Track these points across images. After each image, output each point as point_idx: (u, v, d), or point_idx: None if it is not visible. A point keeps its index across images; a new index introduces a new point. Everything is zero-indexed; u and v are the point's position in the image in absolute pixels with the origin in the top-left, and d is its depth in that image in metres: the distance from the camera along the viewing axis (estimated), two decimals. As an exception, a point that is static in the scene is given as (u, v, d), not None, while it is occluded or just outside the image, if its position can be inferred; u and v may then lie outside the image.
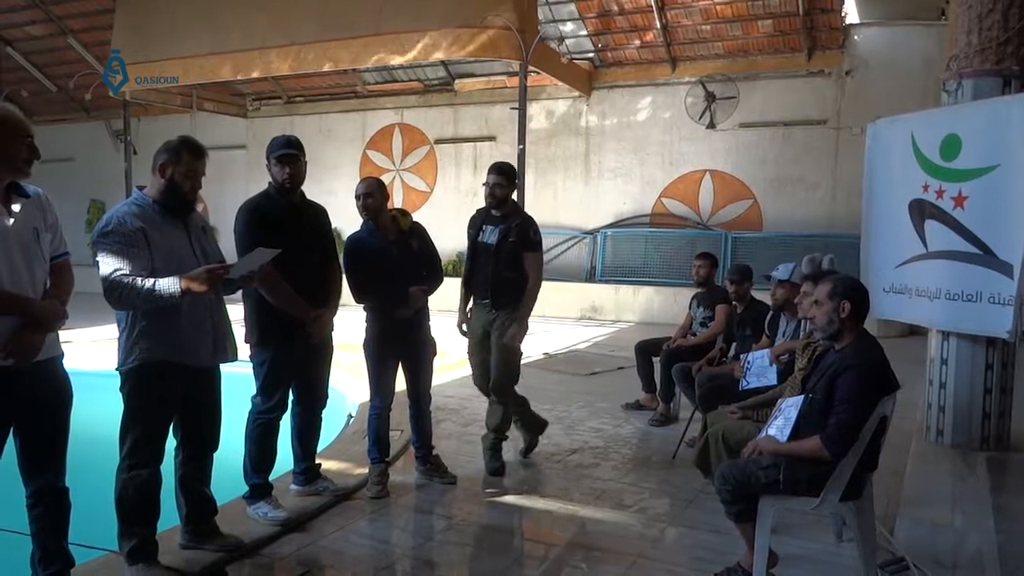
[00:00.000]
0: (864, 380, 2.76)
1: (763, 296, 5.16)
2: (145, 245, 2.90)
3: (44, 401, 2.67)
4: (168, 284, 2.81)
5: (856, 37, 10.80)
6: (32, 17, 14.30)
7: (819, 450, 2.75)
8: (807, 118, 11.14)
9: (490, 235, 4.42)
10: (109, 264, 2.84)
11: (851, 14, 10.83)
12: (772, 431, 2.96)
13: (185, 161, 3.00)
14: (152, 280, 2.82)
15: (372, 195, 4.01)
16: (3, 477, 2.64)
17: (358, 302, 4.09)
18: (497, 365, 4.42)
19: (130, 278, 2.81)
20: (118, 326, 3.03)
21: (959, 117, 4.21)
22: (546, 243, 13.34)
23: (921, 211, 4.36)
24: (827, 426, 2.76)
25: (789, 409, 2.97)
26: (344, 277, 3.97)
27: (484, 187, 4.43)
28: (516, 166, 9.88)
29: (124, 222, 2.90)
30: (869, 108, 9.75)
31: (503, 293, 4.38)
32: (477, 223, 4.52)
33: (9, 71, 14.65)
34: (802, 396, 3.00)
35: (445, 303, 4.64)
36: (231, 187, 14.28)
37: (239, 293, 3.61)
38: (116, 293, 2.82)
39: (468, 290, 4.56)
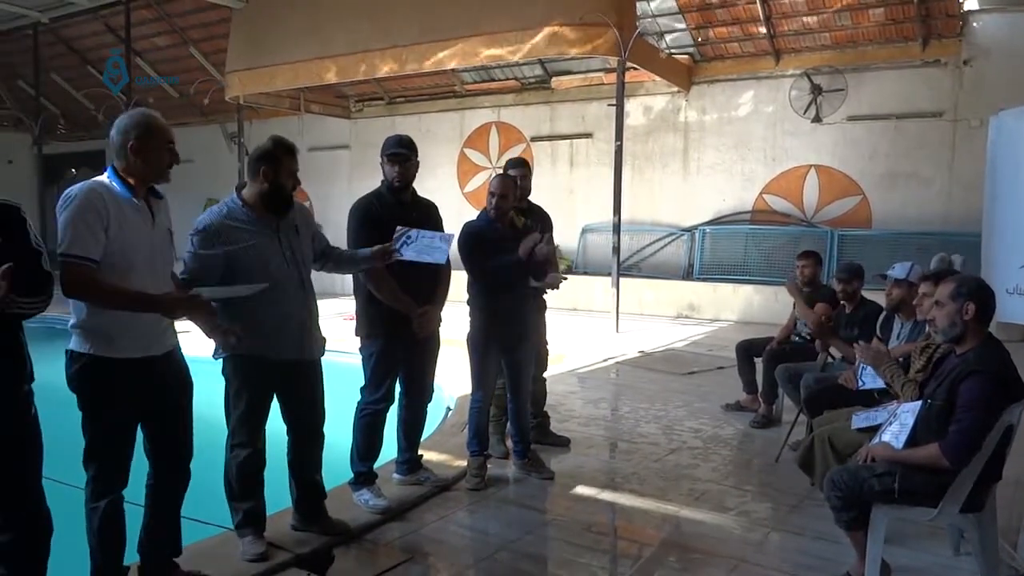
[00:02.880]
0: (989, 386, 2.61)
1: (874, 296, 4.96)
2: (220, 249, 3.05)
3: (172, 386, 2.87)
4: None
5: (975, 24, 10.15)
6: (158, 29, 15.32)
7: (938, 458, 2.62)
8: (921, 110, 10.56)
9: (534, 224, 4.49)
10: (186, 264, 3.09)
11: (969, 0, 10.20)
12: (887, 437, 2.84)
13: (284, 162, 3.15)
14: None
15: (507, 196, 4.10)
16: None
17: (480, 280, 4.10)
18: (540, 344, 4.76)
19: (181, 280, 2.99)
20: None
21: (1096, 106, 3.92)
22: (643, 240, 13.32)
23: (1051, 207, 4.09)
24: (947, 433, 2.63)
25: (905, 415, 2.84)
26: (464, 265, 4.08)
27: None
28: (614, 163, 9.91)
29: (207, 230, 3.08)
30: (989, 99, 9.23)
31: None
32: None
33: (138, 79, 15.68)
34: (920, 401, 2.86)
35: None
36: (336, 186, 14.84)
37: (351, 287, 3.77)
38: None
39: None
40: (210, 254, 3.04)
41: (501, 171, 4.47)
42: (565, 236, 12.77)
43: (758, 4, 10.76)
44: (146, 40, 15.52)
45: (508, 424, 4.44)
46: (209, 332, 2.98)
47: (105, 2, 14.33)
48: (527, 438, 4.40)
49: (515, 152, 13.72)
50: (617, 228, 9.98)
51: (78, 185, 2.64)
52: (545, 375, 4.99)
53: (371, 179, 3.91)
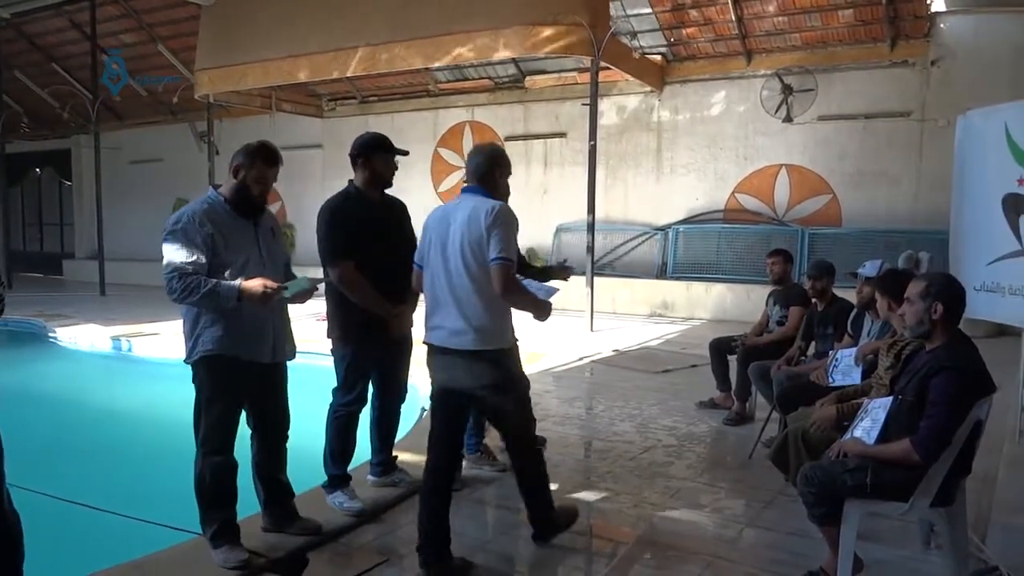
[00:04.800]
0: (959, 382, 2.65)
1: (843, 293, 5.02)
2: (210, 244, 3.02)
3: None
4: (227, 289, 2.94)
5: (942, 25, 10.32)
6: (126, 26, 15.07)
7: (909, 453, 2.65)
8: (889, 110, 10.73)
9: None
10: (174, 260, 2.98)
11: (937, 1, 10.37)
12: (859, 432, 2.87)
13: (258, 167, 3.10)
14: (214, 282, 2.95)
15: None
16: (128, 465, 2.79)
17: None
18: None
19: (193, 276, 2.95)
20: (183, 320, 3.16)
21: (1059, 107, 4.00)
22: (615, 239, 13.36)
23: (1016, 206, 4.17)
24: (918, 429, 2.66)
25: (877, 410, 2.88)
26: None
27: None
28: (588, 162, 9.94)
29: (193, 220, 3.03)
30: (956, 99, 9.36)
31: None
32: None
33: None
34: (891, 397, 2.90)
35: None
36: (308, 186, 14.70)
37: (321, 289, 3.73)
38: (178, 289, 2.95)
39: None
40: (201, 250, 3.00)
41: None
42: (539, 236, 12.79)
43: (729, 4, 10.85)
44: (113, 37, 15.25)
45: None
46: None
47: (70, -3, 14.11)
48: (481, 432, 4.44)
49: (489, 151, 13.68)
50: (591, 227, 10.00)
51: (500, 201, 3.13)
52: None
53: (345, 179, 3.86)
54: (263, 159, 3.11)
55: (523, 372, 3.37)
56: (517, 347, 3.31)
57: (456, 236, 3.10)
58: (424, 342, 3.27)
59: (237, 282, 2.97)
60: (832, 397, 3.53)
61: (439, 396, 3.29)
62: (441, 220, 3.20)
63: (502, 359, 3.17)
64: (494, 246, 3.01)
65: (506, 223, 3.06)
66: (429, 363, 3.27)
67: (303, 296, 3.18)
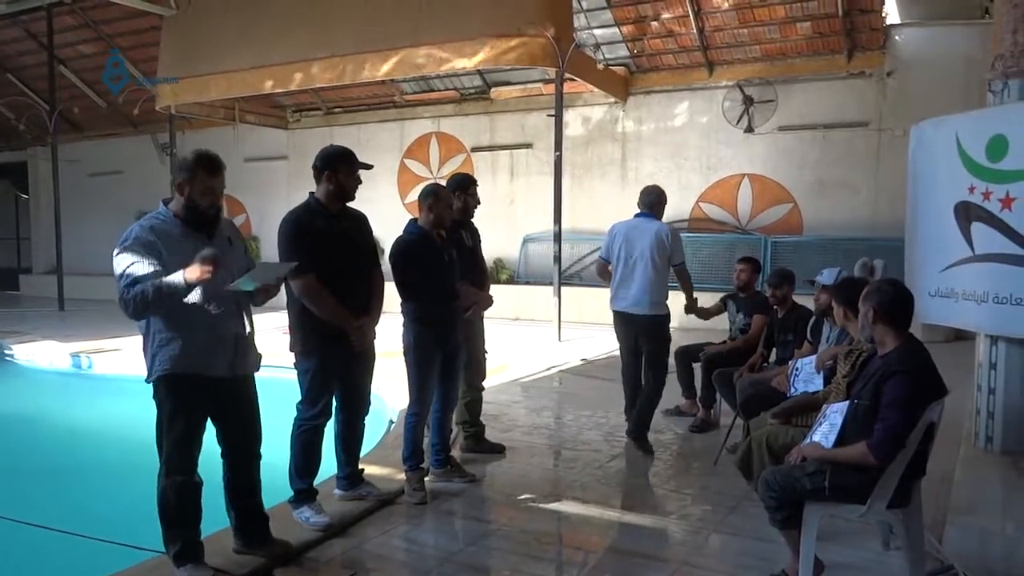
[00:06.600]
0: (911, 385, 2.72)
1: (804, 301, 5.12)
2: (159, 260, 2.92)
3: None
4: (172, 278, 2.85)
5: (897, 38, 10.62)
6: (84, 36, 14.81)
7: (865, 456, 2.72)
8: (847, 120, 10.99)
9: (469, 239, 4.73)
10: (128, 272, 2.88)
11: (892, 14, 10.65)
12: (817, 437, 2.93)
13: (200, 180, 3.00)
14: (158, 281, 2.85)
15: (451, 206, 4.21)
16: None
17: (407, 301, 4.10)
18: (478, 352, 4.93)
19: (139, 285, 2.85)
20: (143, 339, 3.08)
21: (1005, 117, 4.12)
22: (582, 249, 13.44)
23: (967, 213, 4.28)
24: (873, 432, 2.73)
25: (834, 415, 2.94)
26: (394, 280, 4.06)
27: (463, 199, 4.66)
28: (554, 173, 10.01)
29: (141, 237, 2.94)
30: (911, 109, 9.64)
31: None
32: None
33: (62, 88, 15.14)
34: (847, 402, 2.97)
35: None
36: (273, 197, 14.57)
37: (284, 302, 3.71)
38: (130, 303, 2.86)
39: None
40: (152, 263, 2.91)
41: (443, 184, 4.48)
42: (506, 246, 12.83)
43: (691, 17, 11.03)
44: (70, 48, 15.00)
45: (430, 435, 4.42)
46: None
47: (25, 7, 13.81)
48: (448, 446, 4.46)
49: (456, 162, 13.73)
50: (558, 237, 10.06)
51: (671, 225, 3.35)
52: (485, 384, 4.99)
53: (311, 191, 3.84)
54: (204, 170, 3.01)
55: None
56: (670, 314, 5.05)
57: (646, 245, 4.89)
58: (614, 310, 5.10)
59: (179, 273, 2.85)
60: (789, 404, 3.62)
61: (626, 342, 5.14)
62: (628, 232, 5.02)
63: (665, 320, 5.03)
64: (677, 255, 5.00)
65: (679, 239, 5.05)
66: (617, 323, 5.16)
67: (267, 291, 3.19)
